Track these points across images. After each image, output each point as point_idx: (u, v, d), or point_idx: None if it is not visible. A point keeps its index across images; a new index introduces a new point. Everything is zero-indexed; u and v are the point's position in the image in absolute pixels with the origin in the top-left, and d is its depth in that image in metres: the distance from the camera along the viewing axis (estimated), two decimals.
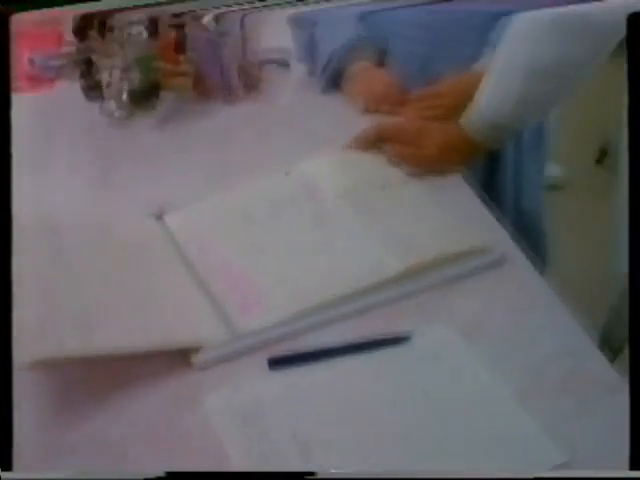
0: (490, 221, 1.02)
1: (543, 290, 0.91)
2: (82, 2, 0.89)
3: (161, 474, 0.68)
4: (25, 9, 0.81)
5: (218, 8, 1.27)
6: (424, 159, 1.11)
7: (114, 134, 1.29)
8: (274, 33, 1.45)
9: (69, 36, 1.48)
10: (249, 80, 1.37)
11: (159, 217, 1.06)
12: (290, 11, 1.36)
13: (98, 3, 0.91)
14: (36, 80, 1.45)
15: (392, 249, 0.93)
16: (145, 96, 1.31)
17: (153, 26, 1.38)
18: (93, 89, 1.30)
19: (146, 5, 1.08)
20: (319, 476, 0.70)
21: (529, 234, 1.32)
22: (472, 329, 0.86)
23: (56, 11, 0.88)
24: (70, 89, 1.39)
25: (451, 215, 1.01)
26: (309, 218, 1.01)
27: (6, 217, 0.77)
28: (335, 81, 1.35)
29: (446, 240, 0.95)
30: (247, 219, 1.02)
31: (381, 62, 1.34)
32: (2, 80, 0.77)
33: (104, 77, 1.29)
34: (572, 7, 1.02)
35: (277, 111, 1.34)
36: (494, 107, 1.10)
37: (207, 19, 1.36)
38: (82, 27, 1.43)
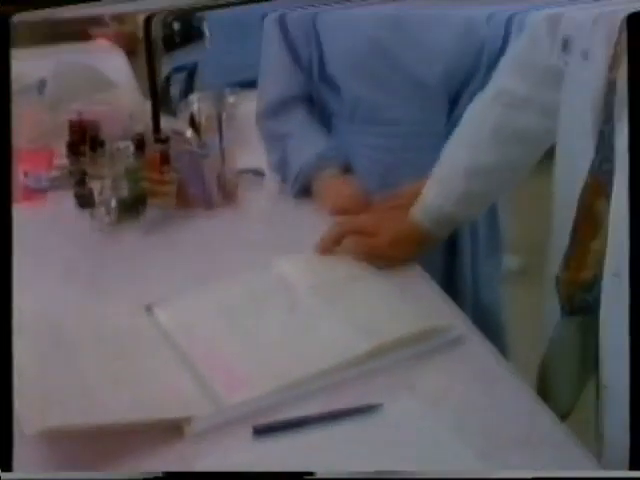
0: (449, 304, 1.14)
1: (500, 365, 1.02)
2: (82, 2, 0.86)
3: (159, 474, 0.73)
4: (25, 9, 0.80)
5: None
6: (379, 248, 1.23)
7: (104, 239, 1.41)
8: (250, 148, 1.60)
9: (62, 151, 1.63)
10: (227, 189, 1.50)
11: (149, 310, 1.16)
12: None
13: (98, 3, 0.88)
14: (30, 193, 1.58)
15: (360, 331, 1.04)
16: (133, 204, 1.44)
17: (140, 141, 1.53)
18: (86, 198, 1.42)
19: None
20: (318, 476, 0.77)
21: (488, 326, 1.44)
22: (436, 400, 0.96)
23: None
24: (62, 199, 1.52)
25: (414, 300, 1.13)
26: (285, 308, 1.13)
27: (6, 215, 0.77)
28: (306, 189, 1.49)
29: (409, 321, 1.07)
30: (230, 310, 1.13)
31: (347, 171, 1.49)
32: (2, 80, 0.76)
33: (96, 187, 1.42)
34: (504, 113, 1.18)
35: (254, 217, 1.47)
36: (439, 204, 1.24)
37: (189, 133, 1.51)
38: (75, 143, 1.57)
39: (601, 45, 0.96)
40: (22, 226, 1.15)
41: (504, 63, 1.23)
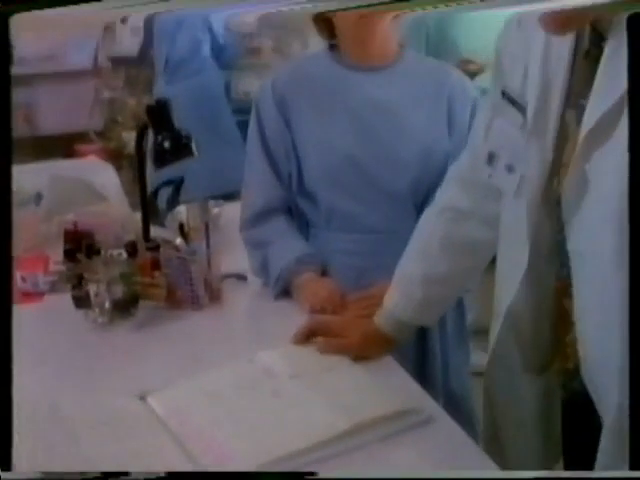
0: (419, 390, 1.25)
1: (468, 446, 1.13)
2: (81, 2, 0.85)
3: (161, 474, 0.76)
4: (25, 9, 0.79)
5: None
6: (348, 349, 1.36)
7: (99, 335, 1.51)
8: (233, 253, 1.73)
9: (56, 257, 1.74)
10: (213, 291, 1.63)
11: (142, 398, 1.26)
12: None
13: (97, 3, 0.86)
14: (28, 295, 1.69)
15: (339, 413, 1.15)
16: (126, 305, 1.55)
17: (132, 248, 1.65)
18: (82, 299, 1.54)
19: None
20: (319, 476, 0.83)
21: (458, 413, 1.54)
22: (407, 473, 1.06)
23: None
24: (58, 301, 1.63)
25: (386, 386, 1.24)
26: (269, 393, 1.24)
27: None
28: (286, 290, 1.62)
29: (383, 404, 1.18)
30: (218, 396, 1.24)
31: (323, 274, 1.62)
32: (2, 80, 0.77)
33: (92, 289, 1.53)
34: (449, 226, 1.31)
35: (237, 315, 1.59)
36: (398, 312, 1.37)
37: (179, 240, 1.64)
38: (71, 250, 1.69)
39: (532, 160, 1.09)
40: (22, 325, 1.24)
41: (448, 178, 1.38)
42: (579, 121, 1.03)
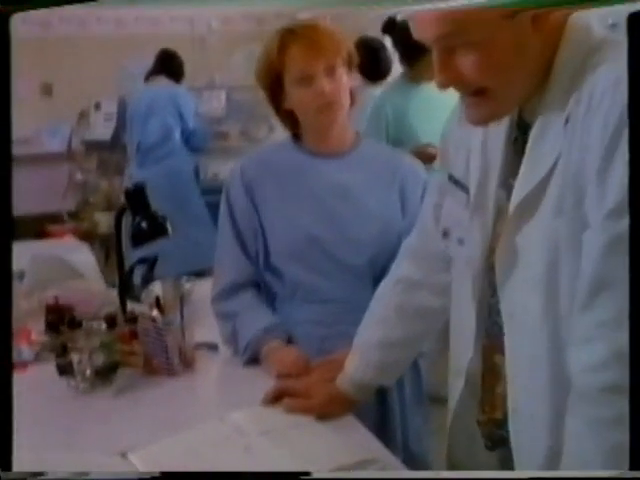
0: (379, 445, 1.39)
1: None
2: (81, 2, 0.87)
3: (156, 474, 0.82)
4: (25, 9, 0.80)
5: None
6: (312, 409, 1.49)
7: (79, 402, 1.63)
8: (206, 325, 1.87)
9: (37, 329, 1.87)
10: (187, 359, 1.76)
11: (124, 456, 1.38)
12: None
13: (97, 3, 0.89)
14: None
15: (304, 464, 1.28)
16: (106, 372, 1.67)
17: (112, 320, 1.79)
18: (66, 367, 1.66)
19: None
20: (314, 476, 0.91)
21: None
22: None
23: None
24: (40, 370, 1.75)
25: (348, 441, 1.38)
26: (241, 449, 1.36)
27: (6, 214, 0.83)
28: (254, 357, 1.75)
29: (346, 455, 1.31)
30: (194, 452, 1.36)
31: (289, 342, 1.76)
32: (2, 79, 0.79)
33: (75, 357, 1.66)
34: (404, 295, 1.47)
35: (210, 381, 1.72)
36: (358, 375, 1.51)
37: (155, 313, 1.77)
38: (54, 323, 1.82)
39: (476, 233, 1.26)
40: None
41: (401, 253, 1.54)
42: (509, 198, 1.19)
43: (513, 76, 1.10)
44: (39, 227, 4.84)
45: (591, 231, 1.04)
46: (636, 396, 0.93)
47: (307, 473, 0.98)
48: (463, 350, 1.30)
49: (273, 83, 1.75)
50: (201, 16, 6.09)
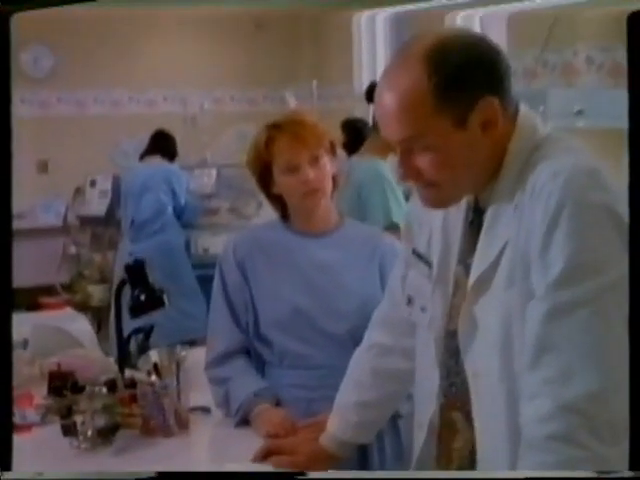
0: None
1: None
2: (80, 2, 0.89)
3: (152, 474, 0.87)
4: (25, 9, 0.80)
5: None
6: (297, 464, 1.63)
7: (81, 461, 1.76)
8: (198, 390, 2.01)
9: (42, 395, 2.00)
10: (182, 420, 1.90)
11: None
12: None
13: (96, 3, 0.94)
14: (17, 427, 1.93)
15: None
16: (107, 433, 1.81)
17: (112, 385, 1.93)
18: (70, 428, 1.79)
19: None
20: (310, 476, 0.99)
21: None
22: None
23: None
24: (44, 432, 1.88)
25: None
26: None
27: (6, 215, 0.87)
28: (245, 419, 1.89)
29: None
30: None
31: (277, 405, 1.90)
32: (2, 79, 0.78)
33: (78, 419, 1.79)
34: (377, 360, 1.62)
35: (203, 441, 1.85)
36: (339, 434, 1.66)
37: (153, 378, 1.92)
38: (58, 387, 1.96)
39: (438, 303, 1.43)
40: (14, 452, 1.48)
41: (374, 318, 1.70)
42: (467, 274, 1.36)
43: (463, 173, 1.29)
44: (32, 299, 4.96)
45: (535, 300, 1.21)
46: (636, 396, 0.99)
47: (302, 473, 1.05)
48: (426, 406, 1.45)
49: (263, 172, 1.95)
50: (193, 97, 6.38)
